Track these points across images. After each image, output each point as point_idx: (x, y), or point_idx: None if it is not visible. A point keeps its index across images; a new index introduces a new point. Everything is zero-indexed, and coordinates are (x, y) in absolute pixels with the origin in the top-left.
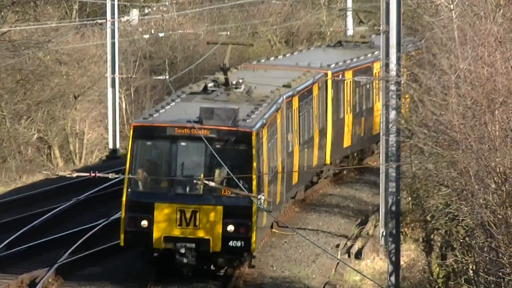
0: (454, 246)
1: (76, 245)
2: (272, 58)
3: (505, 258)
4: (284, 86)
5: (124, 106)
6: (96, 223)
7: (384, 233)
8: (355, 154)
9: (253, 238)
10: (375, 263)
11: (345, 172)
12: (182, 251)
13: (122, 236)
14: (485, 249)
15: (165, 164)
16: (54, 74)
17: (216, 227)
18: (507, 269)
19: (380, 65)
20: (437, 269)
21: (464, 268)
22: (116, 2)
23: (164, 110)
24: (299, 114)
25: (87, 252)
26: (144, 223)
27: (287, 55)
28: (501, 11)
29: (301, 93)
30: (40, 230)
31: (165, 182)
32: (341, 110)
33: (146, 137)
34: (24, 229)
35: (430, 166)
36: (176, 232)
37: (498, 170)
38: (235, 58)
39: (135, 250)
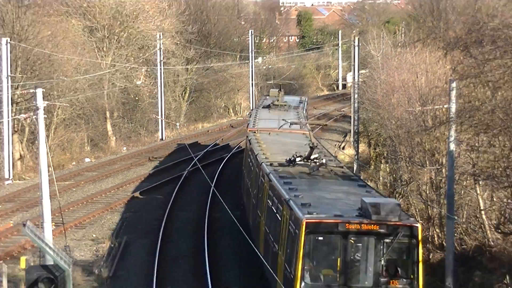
0: (379, 144)
1: (235, 148)
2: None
3: (398, 150)
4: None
5: (256, 94)
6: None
7: (353, 139)
8: None
9: None
10: (350, 151)
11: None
12: None
13: None
14: (390, 145)
15: (336, 258)
16: (229, 81)
17: None
18: (400, 154)
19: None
20: (373, 153)
21: (383, 153)
22: (253, 54)
23: (301, 195)
24: None
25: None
26: None
27: (259, 115)
28: (397, 55)
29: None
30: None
31: (336, 275)
32: None
33: (318, 232)
34: (215, 141)
35: (370, 115)
36: None
37: (396, 116)
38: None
39: None
